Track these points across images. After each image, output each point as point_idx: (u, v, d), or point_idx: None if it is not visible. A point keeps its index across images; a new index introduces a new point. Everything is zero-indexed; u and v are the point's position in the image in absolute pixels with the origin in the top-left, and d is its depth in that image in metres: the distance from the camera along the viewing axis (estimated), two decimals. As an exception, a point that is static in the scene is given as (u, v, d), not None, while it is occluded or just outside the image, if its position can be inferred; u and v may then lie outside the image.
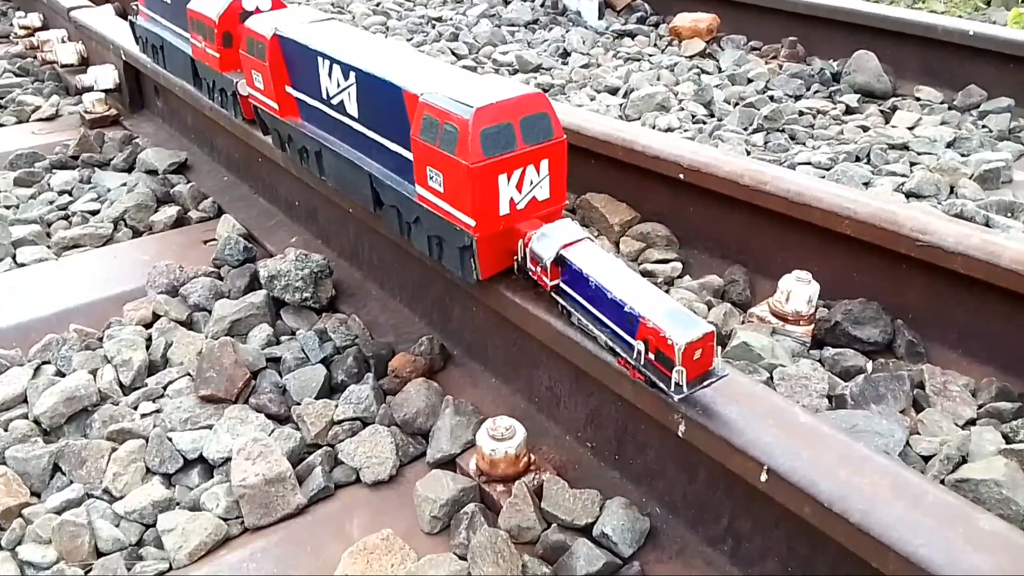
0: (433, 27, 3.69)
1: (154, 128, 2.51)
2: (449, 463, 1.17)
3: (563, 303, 1.07)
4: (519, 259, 1.14)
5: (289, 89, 1.52)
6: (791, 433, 0.87)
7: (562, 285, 1.07)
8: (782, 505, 0.85)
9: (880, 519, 0.76)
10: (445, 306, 1.43)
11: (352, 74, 1.30)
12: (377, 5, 4.03)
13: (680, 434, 0.94)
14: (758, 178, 1.56)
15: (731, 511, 0.97)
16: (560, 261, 1.07)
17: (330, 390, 1.35)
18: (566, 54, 3.29)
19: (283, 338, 1.49)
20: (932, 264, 1.36)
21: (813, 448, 0.85)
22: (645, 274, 1.66)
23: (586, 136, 1.84)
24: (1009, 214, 1.94)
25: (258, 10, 1.72)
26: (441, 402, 1.26)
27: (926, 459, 1.17)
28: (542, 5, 3.89)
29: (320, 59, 1.37)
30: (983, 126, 2.49)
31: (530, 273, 1.12)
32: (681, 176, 1.68)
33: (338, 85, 1.35)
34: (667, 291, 1.61)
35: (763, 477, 0.85)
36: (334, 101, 1.38)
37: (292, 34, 1.44)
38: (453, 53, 3.29)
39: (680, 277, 1.68)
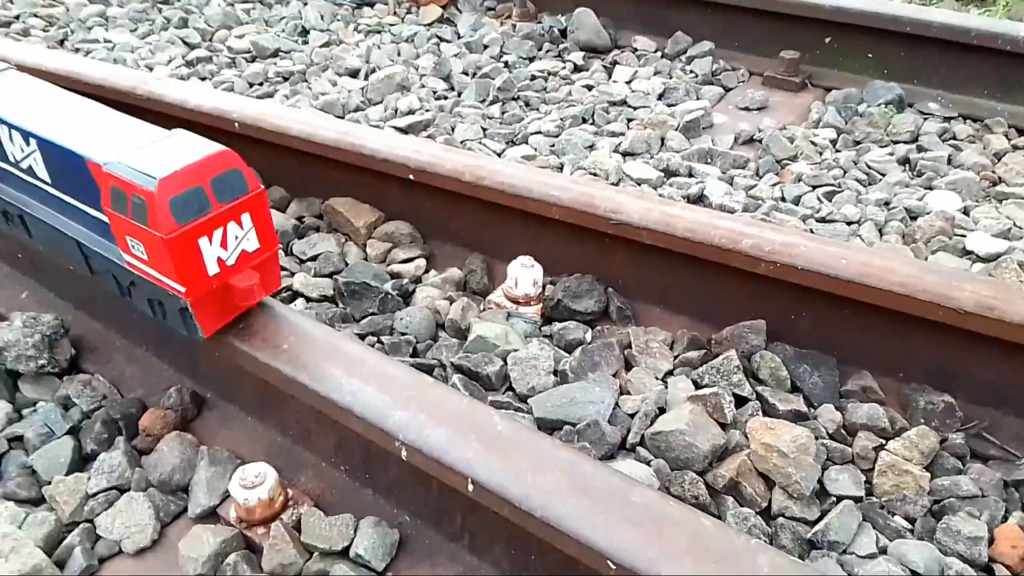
0: (160, 12, 3.46)
1: None
2: (211, 515, 1.22)
3: None
4: None
5: (-26, 151, 1.42)
6: (491, 444, 1.01)
7: None
8: (487, 507, 0.99)
9: (556, 511, 0.92)
10: (191, 350, 1.44)
11: (33, 140, 1.25)
12: (93, -10, 3.69)
13: (403, 458, 1.05)
14: (477, 173, 1.68)
15: (462, 511, 1.10)
16: None
17: (82, 461, 1.34)
18: (305, 32, 3.22)
19: (25, 412, 1.44)
20: (627, 237, 1.55)
21: (506, 457, 0.99)
22: (393, 275, 1.75)
23: (319, 143, 1.86)
24: (708, 161, 2.22)
25: (-76, 58, 1.57)
26: (197, 454, 1.29)
27: (633, 416, 1.37)
28: (276, -23, 3.75)
29: (-3, 125, 1.29)
30: (691, 71, 2.78)
31: None
32: (411, 177, 1.76)
33: (22, 150, 1.29)
34: (413, 290, 1.71)
35: (470, 487, 0.98)
36: (23, 166, 1.32)
37: (-39, 97, 1.34)
38: (184, 42, 3.12)
39: (426, 273, 1.78)
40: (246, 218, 1.17)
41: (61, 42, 3.18)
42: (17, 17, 3.41)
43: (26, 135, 1.26)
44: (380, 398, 1.10)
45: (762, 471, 1.24)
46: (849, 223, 1.91)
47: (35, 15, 3.41)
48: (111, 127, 1.24)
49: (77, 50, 3.06)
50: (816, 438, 1.30)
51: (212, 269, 1.14)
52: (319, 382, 1.13)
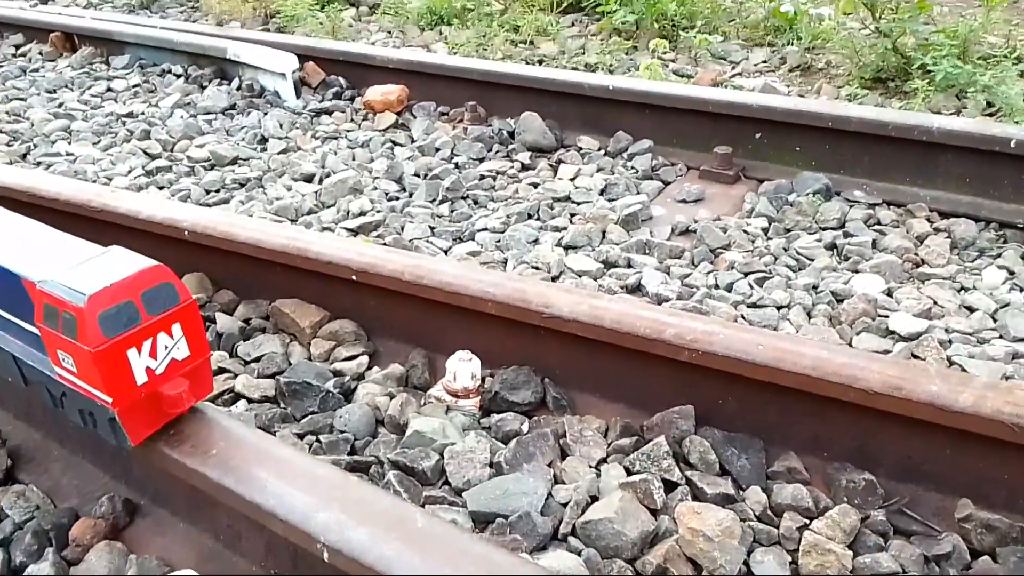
0: (123, 124, 3.57)
1: None
2: (136, 626, 1.21)
3: None
4: None
5: (-84, 269, 1.46)
6: (411, 541, 1.03)
7: None
8: (407, 607, 1.00)
9: None
10: (125, 457, 1.45)
11: (-29, 259, 1.29)
12: (60, 106, 3.81)
13: (325, 560, 1.06)
14: (416, 272, 1.74)
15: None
16: None
17: (12, 574, 1.32)
18: (264, 140, 3.34)
19: (-43, 526, 1.43)
20: (558, 330, 1.61)
21: (424, 554, 1.01)
22: (336, 373, 1.78)
23: (266, 248, 1.92)
24: (645, 252, 2.31)
25: None
26: (126, 563, 1.29)
27: (566, 505, 1.39)
28: (239, 88, 3.91)
29: (-63, 244, 1.34)
30: (632, 167, 2.91)
31: None
32: (354, 277, 1.82)
33: (-38, 269, 1.33)
34: (355, 387, 1.74)
35: (388, 587, 1.00)
36: (-37, 283, 1.36)
37: (-96, 217, 1.39)
38: (146, 153, 3.22)
39: (369, 369, 1.82)
40: (176, 328, 1.21)
41: (24, 156, 3.27)
42: (-19, 133, 3.51)
43: (-35, 253, 1.30)
44: (304, 500, 1.11)
45: (690, 555, 1.26)
46: (779, 308, 1.99)
47: None
48: (47, 246, 1.29)
49: (39, 163, 3.15)
50: (743, 520, 1.32)
51: (140, 379, 1.18)
52: (245, 485, 1.15)
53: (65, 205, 2.20)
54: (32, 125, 3.58)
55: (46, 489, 1.48)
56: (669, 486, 1.42)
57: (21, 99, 3.99)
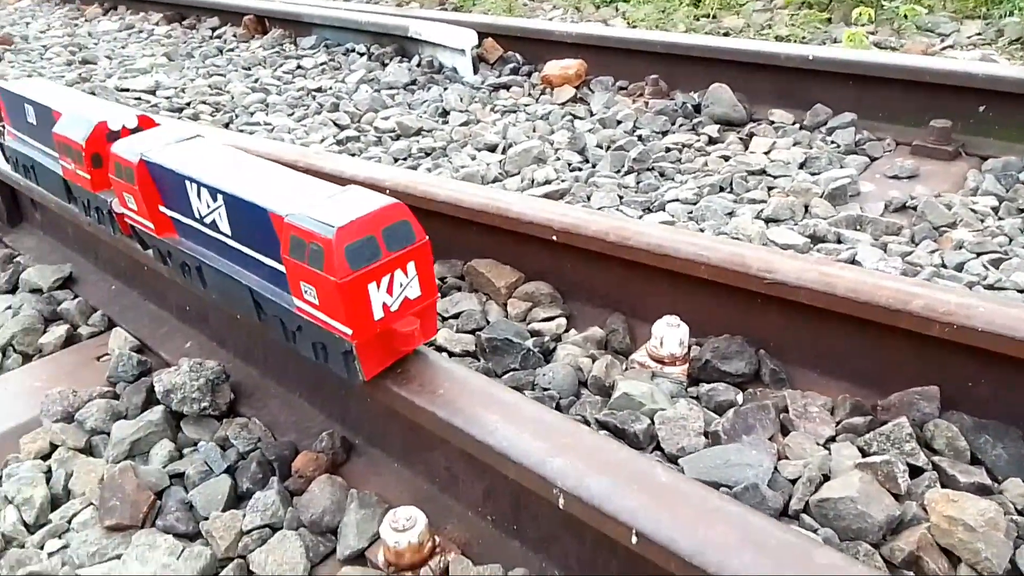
0: (313, 98, 3.75)
1: (35, 241, 2.48)
2: (359, 558, 1.22)
3: None
4: None
5: (163, 208, 1.55)
6: (655, 495, 0.97)
7: None
8: (652, 561, 0.94)
9: (732, 567, 0.86)
10: (342, 397, 1.48)
11: (220, 196, 1.35)
12: (255, 82, 4.06)
13: (560, 506, 1.02)
14: (621, 234, 1.68)
15: (620, 565, 1.06)
16: None
17: (237, 499, 1.38)
18: (445, 113, 3.39)
19: (186, 451, 1.51)
20: (781, 298, 1.49)
21: (672, 509, 0.94)
22: (533, 333, 1.75)
23: (465, 208, 1.93)
24: (857, 227, 2.14)
25: (125, 129, 1.75)
26: (346, 497, 1.31)
27: (794, 482, 1.29)
28: (418, 65, 4.00)
29: (188, 183, 1.41)
30: (832, 142, 2.71)
31: None
32: (554, 238, 1.78)
33: (208, 206, 1.40)
34: (554, 348, 1.70)
35: (633, 539, 0.94)
36: (207, 220, 1.43)
37: (159, 159, 1.48)
38: (335, 124, 3.35)
39: (566, 331, 1.78)
40: (411, 266, 1.21)
41: (227, 125, 3.50)
42: (188, 104, 3.79)
43: (213, 192, 1.37)
44: (536, 444, 1.08)
45: (945, 546, 1.13)
46: (1021, 291, 1.77)
47: (204, 102, 3.77)
48: (290, 184, 1.33)
49: (241, 131, 3.35)
50: (1004, 513, 1.17)
51: (378, 314, 1.18)
52: (475, 426, 1.13)
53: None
54: (232, 98, 3.83)
55: (267, 423, 1.54)
56: (912, 471, 1.28)
57: (221, 75, 4.28)
